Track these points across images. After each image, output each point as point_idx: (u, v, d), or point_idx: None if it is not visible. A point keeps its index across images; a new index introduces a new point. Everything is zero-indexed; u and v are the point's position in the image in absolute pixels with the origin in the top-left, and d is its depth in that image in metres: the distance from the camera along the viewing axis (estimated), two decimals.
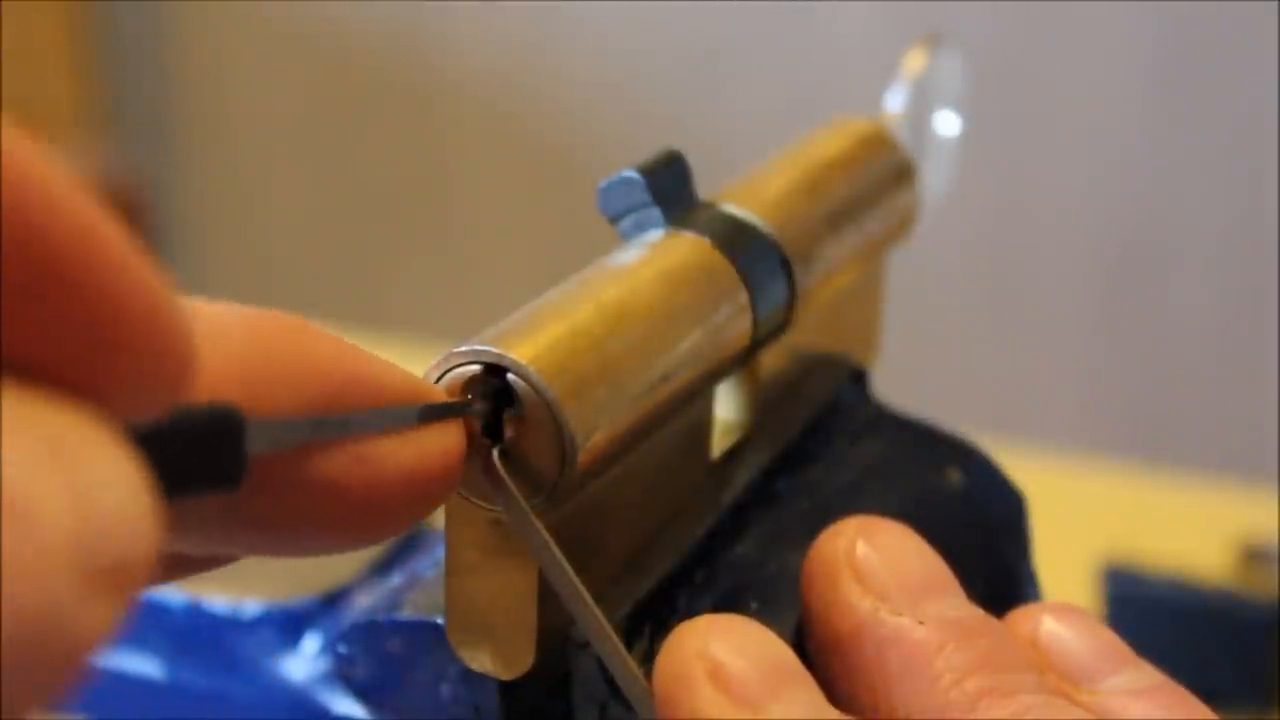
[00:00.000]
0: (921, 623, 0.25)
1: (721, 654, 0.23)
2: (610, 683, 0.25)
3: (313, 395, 0.21)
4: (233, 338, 0.20)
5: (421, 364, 0.24)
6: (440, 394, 0.23)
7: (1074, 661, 0.26)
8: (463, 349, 0.24)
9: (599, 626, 0.23)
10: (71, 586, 0.15)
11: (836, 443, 0.32)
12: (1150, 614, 0.66)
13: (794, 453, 0.31)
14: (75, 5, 1.79)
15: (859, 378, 0.35)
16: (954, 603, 0.25)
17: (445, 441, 0.23)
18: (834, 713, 0.23)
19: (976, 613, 0.25)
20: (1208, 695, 0.25)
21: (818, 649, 0.25)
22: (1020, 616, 0.27)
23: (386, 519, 0.22)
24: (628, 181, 0.29)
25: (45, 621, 0.14)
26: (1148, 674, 0.26)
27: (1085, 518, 0.76)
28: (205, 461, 0.19)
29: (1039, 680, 0.25)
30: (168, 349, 0.16)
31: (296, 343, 0.21)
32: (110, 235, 0.16)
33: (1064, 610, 0.27)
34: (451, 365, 0.24)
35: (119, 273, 0.16)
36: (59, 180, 0.15)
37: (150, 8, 1.80)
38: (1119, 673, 0.26)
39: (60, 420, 0.15)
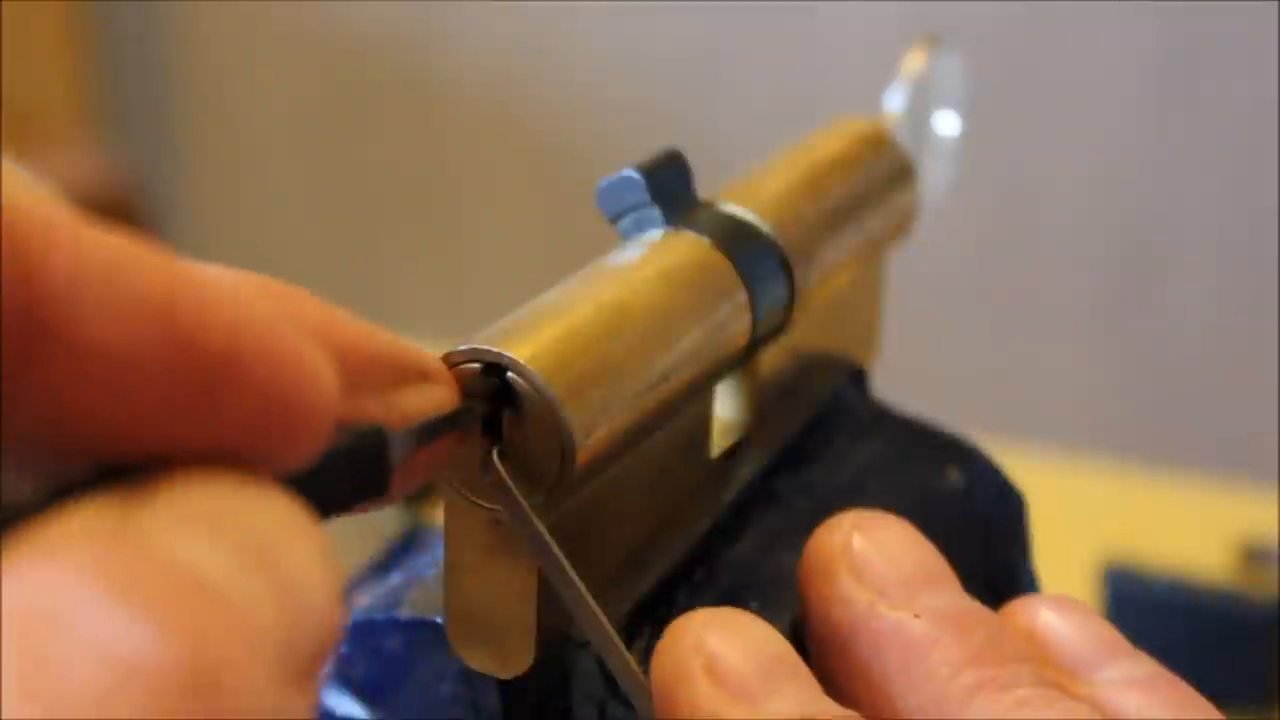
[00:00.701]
0: (918, 616, 0.25)
1: (718, 648, 0.22)
2: (610, 682, 0.25)
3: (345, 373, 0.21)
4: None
5: None
6: (441, 366, 0.23)
7: (1070, 653, 0.26)
8: (462, 348, 0.24)
9: (599, 626, 0.23)
10: (283, 682, 0.15)
11: (836, 442, 0.32)
12: (1150, 614, 0.66)
13: (794, 452, 0.31)
14: (75, 5, 1.79)
15: (859, 378, 0.35)
16: (950, 596, 0.25)
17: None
18: (832, 706, 0.23)
19: (973, 605, 0.25)
20: (1208, 695, 0.25)
21: (815, 643, 0.25)
22: (1017, 608, 0.27)
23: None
24: (628, 181, 0.29)
25: None
26: (1144, 665, 0.26)
27: (1085, 518, 0.76)
28: (357, 479, 0.20)
29: (1035, 673, 0.25)
30: (322, 406, 0.17)
31: (329, 323, 0.21)
32: (265, 321, 0.17)
33: (1061, 602, 0.27)
34: (451, 364, 0.24)
35: (277, 355, 0.17)
36: (203, 281, 0.16)
37: (150, 8, 1.80)
38: (1115, 664, 0.26)
39: (248, 510, 0.16)
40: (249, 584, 0.15)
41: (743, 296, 0.28)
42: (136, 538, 0.15)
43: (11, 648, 0.14)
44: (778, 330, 0.30)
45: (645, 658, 0.25)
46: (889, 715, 0.24)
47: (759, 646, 0.23)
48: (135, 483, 0.16)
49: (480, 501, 0.24)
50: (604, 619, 0.23)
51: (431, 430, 0.22)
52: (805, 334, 0.32)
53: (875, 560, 0.25)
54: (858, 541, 0.26)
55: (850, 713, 0.23)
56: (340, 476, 0.19)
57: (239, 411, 0.16)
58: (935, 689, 0.24)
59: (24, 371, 0.15)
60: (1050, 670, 0.25)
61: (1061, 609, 0.27)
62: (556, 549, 0.23)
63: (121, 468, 0.16)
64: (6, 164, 0.16)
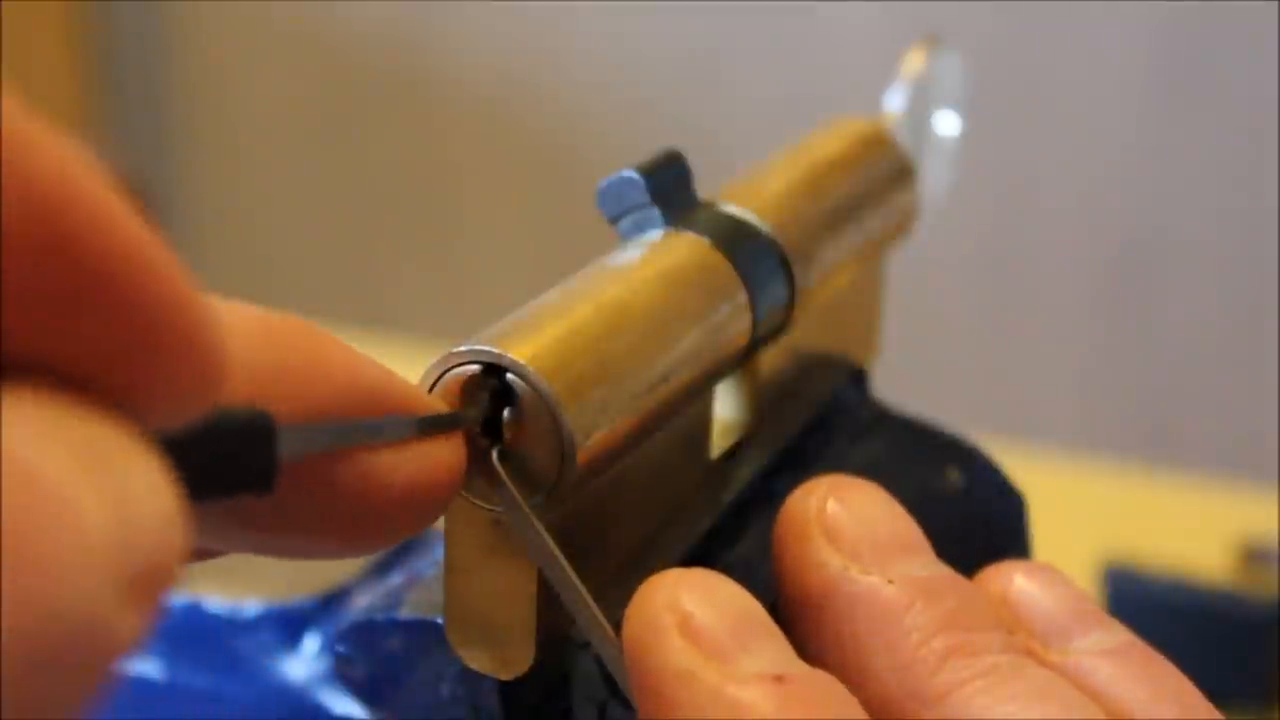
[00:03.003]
0: (890, 581, 0.25)
1: (691, 606, 0.22)
2: (610, 683, 0.25)
3: (320, 400, 0.21)
4: (246, 338, 0.20)
5: (421, 364, 0.24)
6: (439, 403, 0.23)
7: (1044, 620, 0.26)
8: (462, 349, 0.24)
9: (599, 626, 0.23)
10: (108, 590, 0.15)
11: (836, 443, 0.32)
12: (1150, 614, 0.66)
13: (794, 453, 0.31)
14: (75, 5, 1.79)
15: (859, 378, 0.35)
16: (923, 562, 0.25)
17: (446, 454, 0.23)
18: (804, 666, 0.23)
19: (946, 572, 0.25)
20: (1208, 695, 0.25)
21: (788, 607, 0.25)
22: (992, 574, 0.27)
23: (385, 530, 0.23)
24: (627, 181, 0.29)
25: (82, 624, 0.14)
26: (1118, 634, 0.26)
27: (1085, 518, 0.76)
28: (237, 465, 0.19)
29: (1006, 640, 0.25)
30: (201, 357, 0.16)
31: (307, 346, 0.21)
32: (147, 242, 0.16)
33: (1036, 569, 0.27)
34: (450, 365, 0.24)
35: (155, 281, 0.16)
36: (96, 184, 0.15)
37: (150, 8, 1.80)
38: (1089, 633, 0.26)
39: (95, 427, 0.15)
40: (81, 486, 0.15)
41: (743, 296, 0.28)
42: None
43: None
44: (778, 330, 0.30)
45: None
46: (860, 679, 0.24)
47: (732, 605, 0.23)
48: None
49: (480, 502, 0.24)
50: (604, 619, 0.23)
51: (348, 435, 0.21)
52: (805, 334, 0.32)
53: (849, 525, 0.25)
54: (832, 506, 0.26)
55: (822, 672, 0.23)
56: (218, 455, 0.18)
57: (111, 331, 0.16)
58: (906, 654, 0.24)
59: None
60: (1022, 637, 0.26)
61: (1035, 576, 0.27)
62: (556, 549, 0.23)
63: None
64: None
